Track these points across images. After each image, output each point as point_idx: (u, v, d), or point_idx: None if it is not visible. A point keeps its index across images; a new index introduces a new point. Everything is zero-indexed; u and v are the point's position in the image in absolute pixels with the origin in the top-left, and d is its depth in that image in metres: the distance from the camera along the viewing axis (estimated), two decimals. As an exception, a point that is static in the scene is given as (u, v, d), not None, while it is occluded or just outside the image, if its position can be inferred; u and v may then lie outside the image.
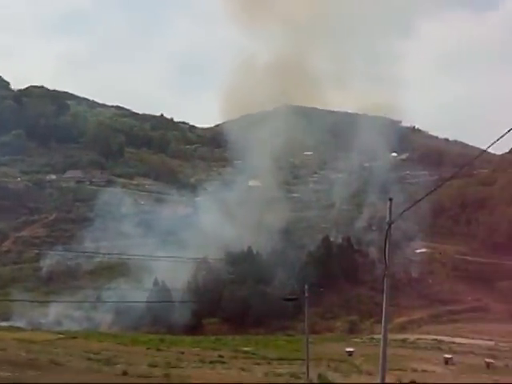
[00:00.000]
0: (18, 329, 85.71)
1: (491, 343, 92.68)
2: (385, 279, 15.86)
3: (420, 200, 17.47)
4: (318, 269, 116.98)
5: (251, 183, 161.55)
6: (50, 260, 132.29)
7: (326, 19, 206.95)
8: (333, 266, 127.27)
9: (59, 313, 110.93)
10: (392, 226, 15.67)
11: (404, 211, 16.32)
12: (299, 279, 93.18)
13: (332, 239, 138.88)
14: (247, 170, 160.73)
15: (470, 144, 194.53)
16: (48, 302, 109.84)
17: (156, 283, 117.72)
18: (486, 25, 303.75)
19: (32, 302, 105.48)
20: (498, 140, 10.65)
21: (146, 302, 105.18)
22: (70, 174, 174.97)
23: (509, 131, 9.94)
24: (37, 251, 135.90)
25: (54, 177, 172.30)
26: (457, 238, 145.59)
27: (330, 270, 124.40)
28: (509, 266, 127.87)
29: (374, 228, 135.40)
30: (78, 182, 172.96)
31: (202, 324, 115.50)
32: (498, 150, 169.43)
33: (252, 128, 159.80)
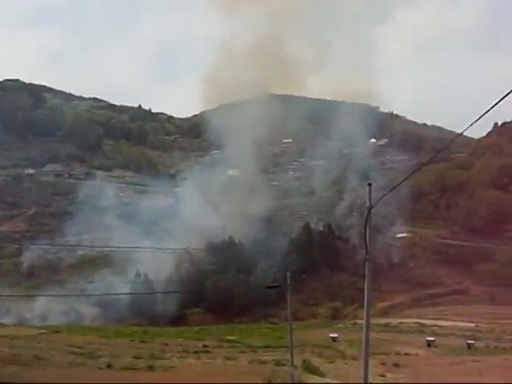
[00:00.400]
0: (0, 324, 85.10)
1: (472, 325, 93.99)
2: (366, 264, 15.93)
3: (399, 184, 17.56)
4: (299, 256, 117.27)
5: (230, 172, 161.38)
6: (31, 254, 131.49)
7: (305, 6, 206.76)
8: (314, 252, 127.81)
9: (44, 307, 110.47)
10: (372, 211, 15.72)
11: (383, 196, 16.37)
12: (281, 267, 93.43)
13: (313, 226, 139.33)
14: (227, 160, 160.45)
15: (448, 129, 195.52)
16: (33, 295, 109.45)
17: (138, 275, 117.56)
18: (461, 10, 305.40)
19: (20, 296, 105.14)
20: (472, 124, 10.71)
21: (129, 293, 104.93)
22: (48, 167, 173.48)
23: (483, 115, 10.02)
24: (17, 246, 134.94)
25: (32, 171, 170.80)
26: (437, 222, 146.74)
27: (312, 257, 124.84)
28: (487, 249, 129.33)
29: (354, 214, 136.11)
30: (57, 175, 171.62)
31: (186, 315, 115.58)
32: (476, 133, 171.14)
33: (231, 117, 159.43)
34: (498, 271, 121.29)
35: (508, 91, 8.87)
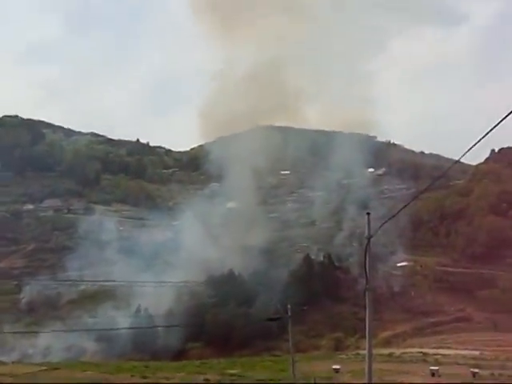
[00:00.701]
0: (0, 362, 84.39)
1: (476, 353, 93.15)
2: (366, 293, 15.90)
3: (397, 213, 17.60)
4: (300, 288, 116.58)
5: (229, 205, 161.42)
6: (31, 290, 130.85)
7: (301, 36, 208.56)
8: (315, 284, 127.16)
9: (46, 343, 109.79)
10: (372, 240, 15.76)
11: (382, 225, 16.42)
12: (282, 299, 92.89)
13: (313, 257, 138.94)
14: (225, 192, 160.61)
15: (446, 156, 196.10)
16: (35, 332, 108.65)
17: (138, 309, 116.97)
18: (455, 39, 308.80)
19: (21, 332, 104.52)
20: (468, 150, 10.81)
21: (129, 328, 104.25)
22: (47, 203, 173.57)
23: (478, 142, 10.12)
24: (16, 282, 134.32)
25: (31, 206, 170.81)
26: (437, 250, 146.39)
27: (312, 288, 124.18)
28: (488, 275, 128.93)
29: (354, 244, 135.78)
30: (56, 210, 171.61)
31: (187, 349, 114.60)
32: (473, 160, 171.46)
33: (229, 149, 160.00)
34: (500, 297, 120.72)
35: (501, 118, 8.98)
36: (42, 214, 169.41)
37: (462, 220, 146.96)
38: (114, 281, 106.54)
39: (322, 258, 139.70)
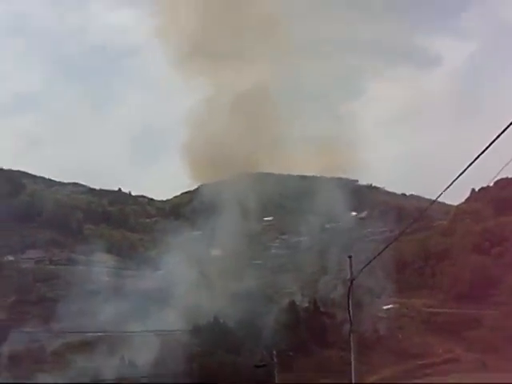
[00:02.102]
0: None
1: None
2: (351, 335, 15.74)
3: (378, 254, 17.60)
4: (286, 334, 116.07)
5: (213, 252, 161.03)
6: (12, 344, 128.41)
7: (278, 84, 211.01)
8: (301, 330, 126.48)
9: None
10: (357, 283, 15.72)
11: (364, 267, 16.41)
12: (268, 346, 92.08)
13: (298, 303, 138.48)
14: (209, 239, 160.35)
15: (427, 197, 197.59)
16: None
17: (124, 359, 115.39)
18: (431, 80, 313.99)
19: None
20: (445, 190, 10.87)
21: (115, 379, 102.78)
22: (28, 254, 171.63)
23: (453, 182, 10.17)
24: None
25: (12, 258, 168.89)
26: (423, 291, 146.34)
27: (299, 334, 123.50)
28: (475, 315, 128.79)
29: (338, 288, 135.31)
30: (38, 261, 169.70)
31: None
32: (454, 200, 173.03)
33: (210, 197, 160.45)
34: (488, 337, 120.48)
35: (472, 159, 9.04)
36: (24, 265, 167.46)
37: (446, 260, 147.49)
38: (98, 331, 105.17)
39: (307, 304, 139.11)
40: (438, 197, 13.20)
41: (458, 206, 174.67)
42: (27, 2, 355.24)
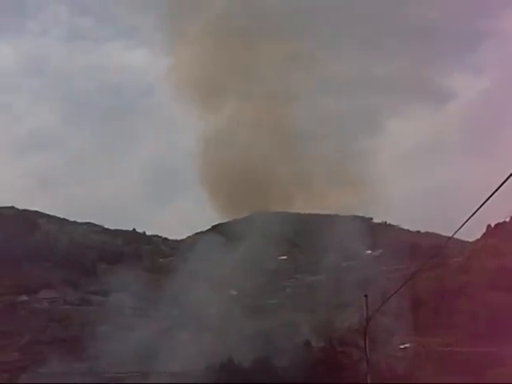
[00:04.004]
0: None
1: None
2: (368, 376, 15.52)
3: (394, 293, 17.43)
4: (301, 374, 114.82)
5: (230, 292, 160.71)
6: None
7: (291, 123, 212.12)
8: (317, 369, 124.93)
9: None
10: (373, 323, 15.54)
11: (380, 306, 16.24)
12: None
13: (314, 343, 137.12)
14: (224, 279, 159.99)
15: (443, 234, 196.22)
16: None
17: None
18: (446, 116, 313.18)
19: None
20: (460, 227, 10.81)
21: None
22: (42, 294, 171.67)
23: (469, 218, 10.13)
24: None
25: (26, 298, 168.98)
26: (439, 329, 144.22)
27: (315, 374, 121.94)
28: (494, 353, 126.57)
29: (354, 327, 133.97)
30: (51, 301, 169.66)
31: None
32: (470, 237, 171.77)
33: (223, 237, 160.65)
34: (508, 375, 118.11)
35: (488, 196, 9.01)
36: (37, 305, 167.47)
37: (462, 297, 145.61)
38: (113, 372, 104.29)
39: (323, 343, 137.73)
40: (456, 232, 13.18)
41: (473, 243, 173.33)
42: (44, 42, 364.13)
